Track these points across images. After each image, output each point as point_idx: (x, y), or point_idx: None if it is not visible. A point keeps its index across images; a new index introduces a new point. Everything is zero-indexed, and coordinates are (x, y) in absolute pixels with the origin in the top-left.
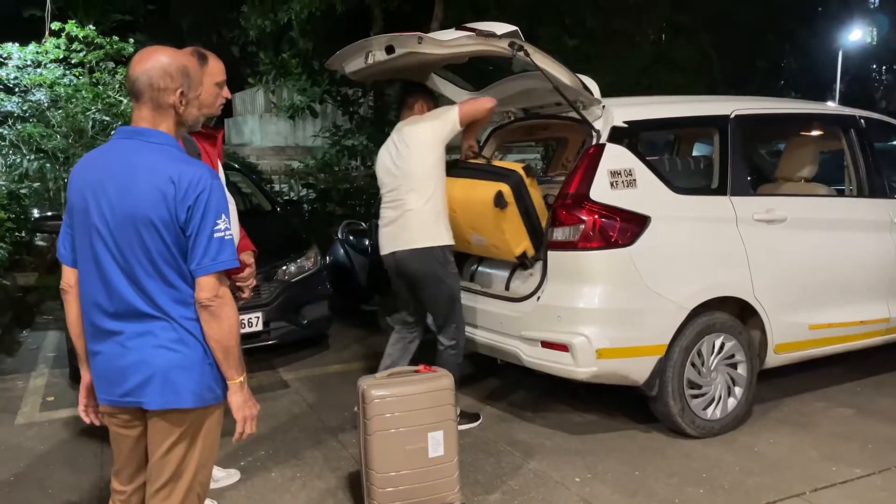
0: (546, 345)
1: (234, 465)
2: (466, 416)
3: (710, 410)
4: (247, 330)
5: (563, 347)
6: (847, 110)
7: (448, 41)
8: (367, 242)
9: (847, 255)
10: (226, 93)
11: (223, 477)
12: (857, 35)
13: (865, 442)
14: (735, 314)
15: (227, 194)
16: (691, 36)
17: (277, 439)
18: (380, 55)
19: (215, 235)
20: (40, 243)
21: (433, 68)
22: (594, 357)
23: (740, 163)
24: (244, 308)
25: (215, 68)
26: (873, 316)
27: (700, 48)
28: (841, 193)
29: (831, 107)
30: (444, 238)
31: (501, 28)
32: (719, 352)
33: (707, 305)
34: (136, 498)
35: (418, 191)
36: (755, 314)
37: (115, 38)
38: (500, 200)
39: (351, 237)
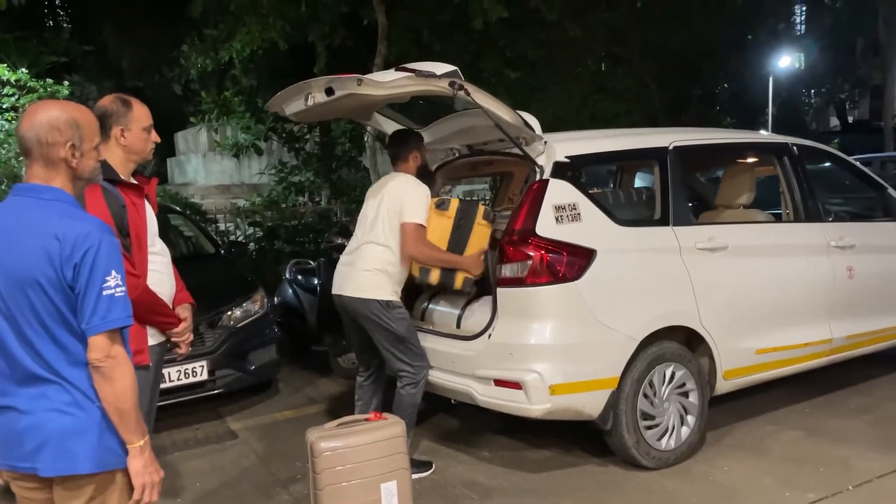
0: (499, 383)
1: None
2: (418, 465)
3: (664, 441)
4: (191, 380)
5: (516, 385)
6: (780, 138)
7: (388, 82)
8: (315, 281)
9: (788, 279)
10: (154, 137)
11: None
12: (786, 61)
13: (817, 465)
14: (683, 343)
15: (161, 244)
16: (629, 66)
17: (225, 494)
18: (320, 97)
19: (104, 293)
20: None
21: (374, 109)
22: (548, 393)
23: (681, 193)
24: (188, 357)
25: (141, 113)
26: (816, 337)
27: (638, 78)
28: (778, 218)
29: (765, 135)
30: (389, 293)
31: (441, 68)
32: (670, 381)
33: (656, 335)
34: None
35: (381, 242)
36: (703, 342)
37: (50, 80)
38: None
39: (299, 276)
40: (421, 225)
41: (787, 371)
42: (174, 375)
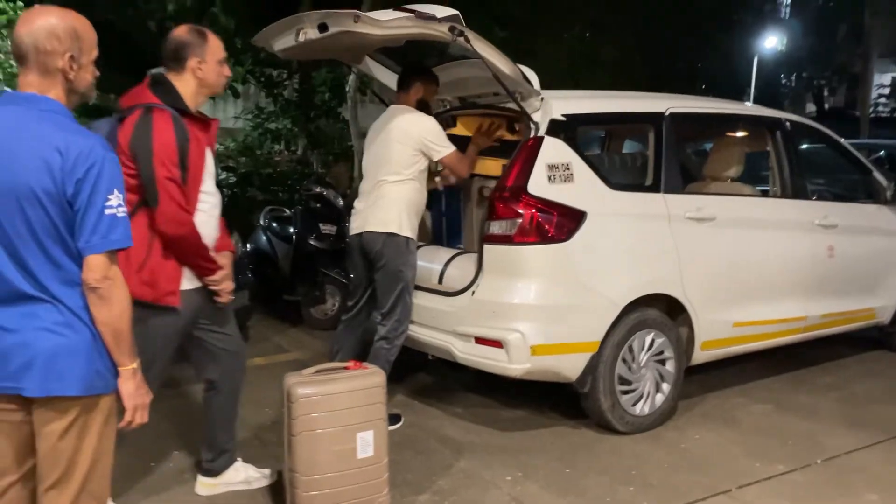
0: (480, 341)
1: (147, 460)
2: (389, 417)
3: (639, 406)
4: None
5: (497, 344)
6: (775, 112)
7: (386, 22)
8: (290, 230)
9: (770, 255)
10: (226, 70)
11: (257, 478)
12: (771, 42)
13: (785, 438)
14: (664, 311)
15: (213, 186)
16: (615, 36)
17: (192, 437)
18: (312, 33)
19: (106, 212)
20: None
21: (367, 50)
22: (528, 353)
23: (674, 160)
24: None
25: (216, 45)
26: (792, 314)
27: (623, 48)
28: (764, 194)
29: (760, 108)
30: (408, 230)
31: (442, 11)
32: (649, 348)
33: (639, 302)
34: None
35: (396, 176)
36: (683, 311)
37: (21, 3)
38: None
39: (274, 224)
40: (455, 151)
41: (762, 345)
42: None
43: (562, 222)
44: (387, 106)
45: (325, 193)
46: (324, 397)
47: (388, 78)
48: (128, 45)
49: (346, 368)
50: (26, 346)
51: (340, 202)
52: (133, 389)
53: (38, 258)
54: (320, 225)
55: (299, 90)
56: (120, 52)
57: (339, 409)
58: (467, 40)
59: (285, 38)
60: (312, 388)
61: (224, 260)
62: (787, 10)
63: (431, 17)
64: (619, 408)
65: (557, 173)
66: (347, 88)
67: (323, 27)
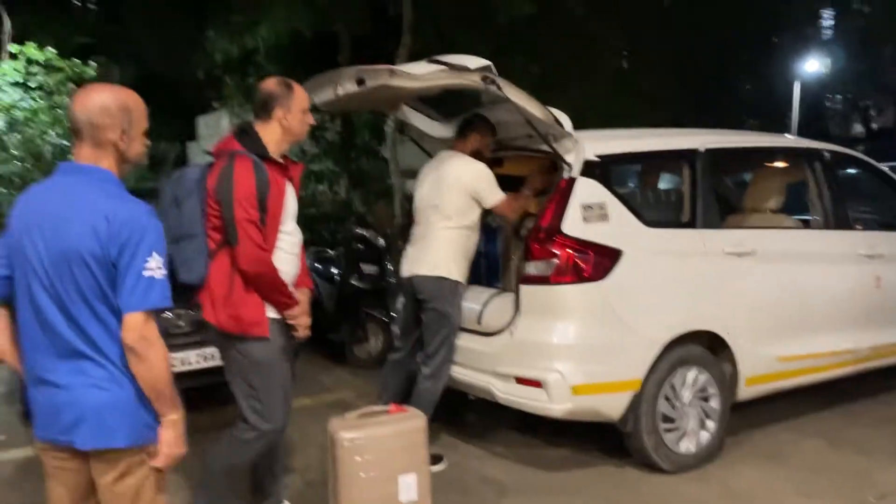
0: (520, 381)
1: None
2: (431, 458)
3: (683, 444)
4: (211, 363)
5: (537, 384)
6: (812, 143)
7: (420, 75)
8: (333, 270)
9: (814, 287)
10: (310, 118)
11: None
12: (813, 66)
13: (836, 475)
14: (707, 347)
15: (295, 226)
16: (652, 65)
17: (240, 478)
18: (350, 87)
19: (144, 273)
20: None
21: (403, 101)
22: (569, 393)
23: (710, 196)
24: (208, 341)
25: (301, 96)
26: (841, 347)
27: (662, 77)
28: (806, 224)
29: (797, 140)
30: (457, 274)
31: (474, 62)
32: (693, 385)
33: (680, 339)
34: None
35: (447, 222)
36: (726, 347)
37: (77, 60)
38: None
39: (318, 264)
40: (505, 197)
41: (810, 380)
42: (194, 359)
43: (598, 261)
44: (425, 151)
45: (366, 234)
46: (367, 442)
47: (425, 124)
48: (178, 93)
49: (387, 412)
50: (76, 403)
51: (381, 242)
52: (171, 438)
53: (87, 316)
54: (362, 265)
55: (341, 132)
56: (170, 100)
57: (381, 453)
58: (499, 88)
59: (325, 92)
60: (356, 432)
61: (302, 296)
62: (831, 31)
63: (463, 68)
64: (663, 446)
65: (592, 213)
66: (386, 129)
67: (360, 81)
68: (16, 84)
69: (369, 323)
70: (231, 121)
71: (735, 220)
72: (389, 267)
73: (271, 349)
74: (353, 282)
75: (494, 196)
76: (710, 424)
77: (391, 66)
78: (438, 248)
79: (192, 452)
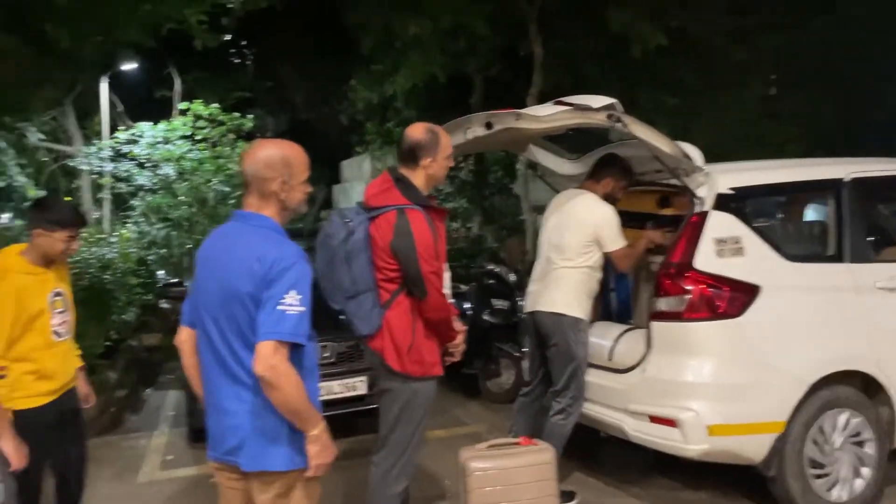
0: (654, 419)
1: None
2: (562, 495)
3: (835, 492)
4: (352, 393)
5: (670, 423)
6: None
7: (545, 116)
8: (466, 305)
9: None
10: (451, 163)
11: None
12: None
13: None
14: (860, 388)
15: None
16: (800, 89)
17: None
18: (479, 131)
19: (278, 307)
20: (164, 306)
21: (531, 140)
22: (705, 434)
23: (858, 227)
24: (351, 372)
25: (446, 143)
26: None
27: (810, 101)
28: None
29: None
30: (578, 311)
31: (598, 101)
32: (844, 429)
33: (829, 379)
34: None
35: (569, 262)
36: (882, 389)
37: (236, 114)
38: None
39: (451, 300)
40: (624, 247)
41: None
42: (337, 388)
43: (734, 297)
44: (553, 188)
45: (497, 270)
46: (496, 472)
47: (553, 162)
48: (324, 140)
49: (516, 444)
50: (239, 427)
51: (512, 277)
52: (317, 451)
53: (246, 349)
54: (493, 300)
55: (474, 170)
56: (318, 146)
57: (510, 484)
58: (625, 125)
59: (455, 136)
60: (486, 462)
61: (459, 325)
62: None
63: (588, 108)
64: (811, 493)
65: (726, 247)
66: (518, 166)
67: (488, 125)
68: (184, 137)
69: (501, 358)
70: (373, 164)
71: (891, 252)
72: (520, 302)
73: (434, 386)
74: (485, 317)
75: (615, 244)
76: (866, 472)
77: (517, 111)
78: (558, 287)
79: (330, 479)
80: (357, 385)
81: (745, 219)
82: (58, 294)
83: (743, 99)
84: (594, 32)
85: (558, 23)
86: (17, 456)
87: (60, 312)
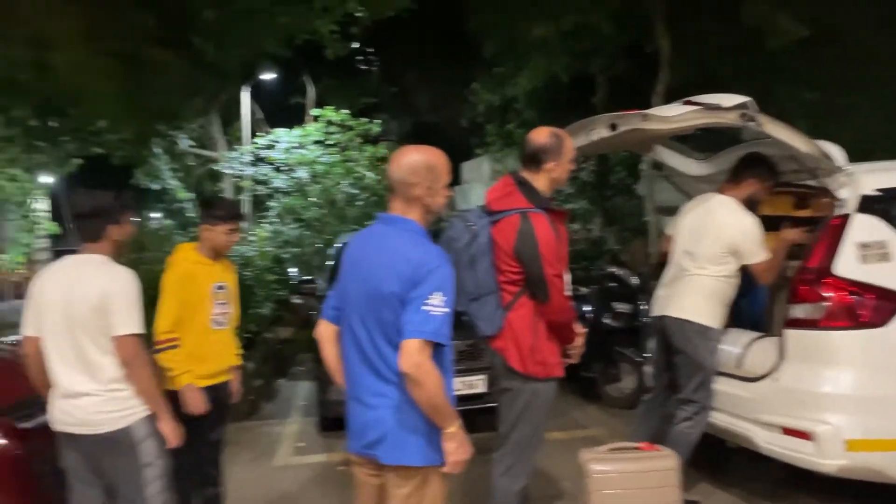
0: (787, 431)
1: None
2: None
3: None
4: (472, 391)
5: (805, 435)
6: None
7: (673, 117)
8: (585, 308)
9: None
10: (573, 166)
11: None
12: None
13: None
14: None
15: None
16: None
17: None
18: (603, 132)
19: (423, 307)
20: (297, 301)
21: (658, 141)
22: (843, 448)
23: None
24: (470, 370)
25: (569, 147)
26: None
27: None
28: None
29: None
30: (708, 318)
31: (729, 100)
32: None
33: None
34: None
35: (702, 270)
36: None
37: (364, 119)
38: None
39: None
40: (768, 259)
41: None
42: (458, 386)
43: (879, 305)
44: (679, 190)
45: (619, 272)
46: (617, 475)
47: (681, 162)
48: (445, 142)
49: (638, 448)
50: (381, 422)
51: (635, 281)
52: (454, 447)
53: (390, 347)
54: (615, 304)
55: (595, 171)
56: (437, 147)
57: (631, 489)
58: (759, 124)
59: (578, 138)
60: (606, 465)
61: (580, 329)
62: None
63: (717, 108)
64: None
65: (871, 252)
66: (642, 166)
67: (613, 127)
68: (317, 142)
69: (622, 362)
70: (493, 166)
71: None
72: (643, 307)
73: (555, 386)
74: (606, 320)
75: (758, 257)
76: None
77: (643, 112)
78: (690, 293)
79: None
80: (476, 383)
81: (893, 222)
82: (221, 287)
83: (891, 94)
84: (725, 27)
85: (687, 18)
86: (174, 435)
87: (222, 304)
